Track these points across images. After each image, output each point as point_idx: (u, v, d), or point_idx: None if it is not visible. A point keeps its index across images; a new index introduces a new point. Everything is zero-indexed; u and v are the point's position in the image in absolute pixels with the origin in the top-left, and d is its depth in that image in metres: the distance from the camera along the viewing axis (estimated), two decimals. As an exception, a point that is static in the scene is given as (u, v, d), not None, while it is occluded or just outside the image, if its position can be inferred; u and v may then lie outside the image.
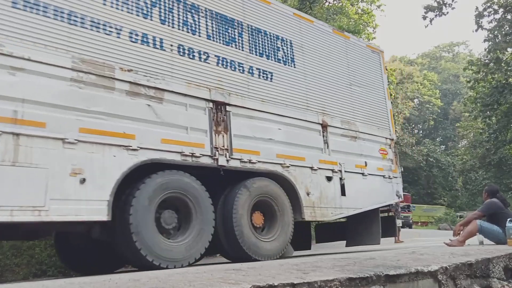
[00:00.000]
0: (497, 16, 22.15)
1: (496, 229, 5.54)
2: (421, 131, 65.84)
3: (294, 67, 6.23)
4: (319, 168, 6.12)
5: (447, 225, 30.59)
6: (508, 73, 21.64)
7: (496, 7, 21.99)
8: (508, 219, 5.16)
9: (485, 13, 22.08)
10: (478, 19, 22.30)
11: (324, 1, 21.07)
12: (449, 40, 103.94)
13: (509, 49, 22.05)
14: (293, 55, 6.25)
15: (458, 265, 2.58)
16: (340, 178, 6.39)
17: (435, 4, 20.47)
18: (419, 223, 38.19)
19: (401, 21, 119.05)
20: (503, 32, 21.92)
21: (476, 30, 22.39)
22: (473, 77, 24.40)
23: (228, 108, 5.19)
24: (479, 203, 23.65)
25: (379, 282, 2.07)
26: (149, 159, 4.35)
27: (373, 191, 6.93)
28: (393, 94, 34.14)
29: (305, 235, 7.97)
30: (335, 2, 23.26)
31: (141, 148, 4.28)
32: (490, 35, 22.72)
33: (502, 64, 21.72)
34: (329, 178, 6.24)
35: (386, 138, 7.63)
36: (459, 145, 54.91)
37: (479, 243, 5.62)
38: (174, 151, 4.57)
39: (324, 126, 6.39)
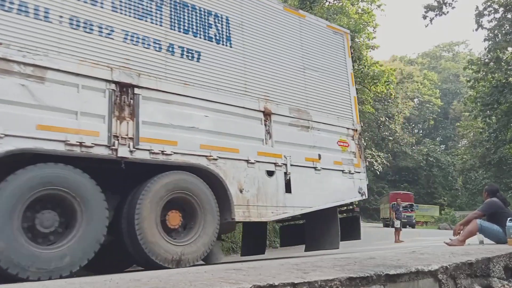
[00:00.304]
0: (497, 15, 22.17)
1: (496, 229, 5.54)
2: (421, 131, 65.88)
3: (231, 47, 5.50)
4: (258, 161, 5.39)
5: (447, 225, 30.59)
6: (508, 72, 21.65)
7: (496, 6, 21.99)
8: (508, 219, 5.15)
9: (485, 12, 22.09)
10: (478, 18, 22.31)
11: (324, 1, 21.08)
12: (449, 39, 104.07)
13: (509, 48, 22.05)
14: (229, 33, 5.53)
15: (458, 265, 2.58)
16: (285, 173, 5.65)
17: (435, 4, 20.48)
18: (421, 223, 38.12)
19: (401, 21, 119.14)
20: (503, 31, 21.93)
21: (476, 30, 22.44)
22: (473, 77, 24.43)
23: (137, 90, 4.48)
24: (479, 203, 23.66)
25: (379, 282, 2.07)
26: (18, 148, 3.66)
27: (328, 187, 6.17)
28: (393, 94, 34.19)
29: (260, 238, 7.48)
30: (335, 1, 23.27)
31: (6, 135, 3.62)
32: (490, 34, 22.73)
33: (502, 63, 21.73)
34: (270, 173, 5.52)
35: (348, 128, 6.77)
36: (459, 145, 54.93)
37: (479, 242, 5.62)
38: (55, 140, 3.89)
39: (267, 114, 5.67)
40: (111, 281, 2.24)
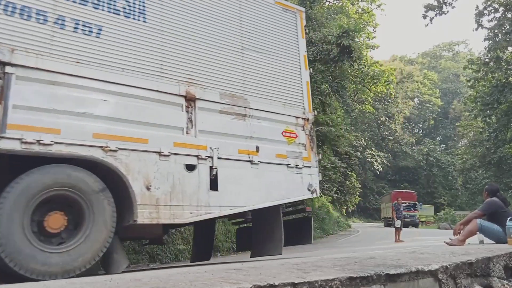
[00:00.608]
0: (498, 15, 22.19)
1: (496, 228, 5.54)
2: (421, 131, 65.94)
3: (144, 22, 4.84)
4: (174, 154, 4.69)
5: (447, 224, 30.59)
6: (508, 72, 21.66)
7: (496, 5, 22.00)
8: (508, 218, 5.15)
9: (486, 11, 22.11)
10: (478, 17, 22.34)
11: (325, 1, 21.09)
12: (449, 39, 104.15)
13: (509, 48, 22.06)
14: (143, 7, 4.87)
15: (458, 264, 2.58)
16: (211, 167, 4.95)
17: (435, 3, 20.50)
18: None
19: (401, 20, 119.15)
20: (503, 31, 21.94)
21: (476, 29, 22.47)
22: (473, 76, 24.46)
23: (8, 69, 3.84)
24: (479, 202, 23.67)
25: (379, 282, 2.07)
26: None
27: (268, 184, 5.47)
28: (393, 94, 34.22)
29: (206, 243, 6.96)
30: (335, 1, 23.29)
31: None
32: (490, 34, 22.76)
33: (502, 63, 21.75)
34: (190, 167, 4.81)
35: (297, 117, 6.01)
36: (459, 144, 54.99)
37: (479, 242, 5.62)
38: None
39: (191, 100, 4.97)
40: (111, 281, 2.24)
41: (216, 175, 4.99)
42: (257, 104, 5.61)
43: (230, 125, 5.30)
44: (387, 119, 50.07)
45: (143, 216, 4.32)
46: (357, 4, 24.94)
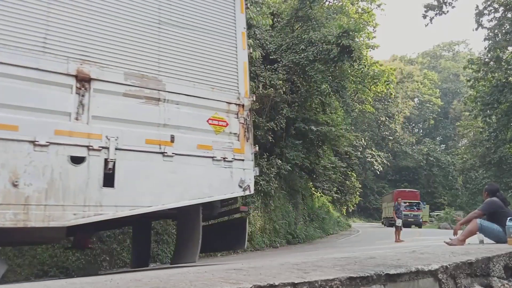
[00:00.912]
0: (498, 15, 22.21)
1: (496, 228, 5.54)
2: (421, 130, 65.95)
3: None
4: (55, 144, 4.00)
5: (447, 224, 30.57)
6: (508, 71, 21.67)
7: (496, 5, 22.01)
8: (508, 218, 5.15)
9: (486, 11, 22.12)
10: (478, 17, 22.35)
11: (324, 0, 21.09)
12: (449, 39, 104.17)
13: (509, 48, 22.08)
14: None
15: (458, 264, 2.58)
16: (107, 160, 4.23)
17: (435, 3, 20.51)
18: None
19: (401, 20, 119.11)
20: (504, 31, 21.96)
21: (476, 29, 22.50)
22: (473, 76, 24.47)
23: None
24: (479, 202, 23.65)
25: (379, 281, 2.07)
26: None
27: (186, 179, 4.75)
28: (393, 94, 34.22)
29: (142, 249, 6.43)
30: (335, 1, 23.30)
31: None
32: (490, 34, 22.77)
33: (502, 62, 21.76)
34: (78, 160, 4.11)
35: (229, 103, 5.29)
36: (459, 144, 55.00)
37: (479, 242, 5.62)
38: None
39: (83, 80, 4.27)
40: (111, 281, 2.24)
41: (113, 169, 4.25)
42: (176, 87, 4.87)
43: (137, 110, 4.55)
44: (387, 119, 50.08)
45: (5, 218, 3.66)
46: (357, 4, 24.95)
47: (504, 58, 21.94)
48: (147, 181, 4.47)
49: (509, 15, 21.96)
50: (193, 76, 5.06)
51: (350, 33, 15.10)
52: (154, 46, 4.82)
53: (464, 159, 38.99)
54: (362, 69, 20.74)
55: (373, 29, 25.76)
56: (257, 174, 5.49)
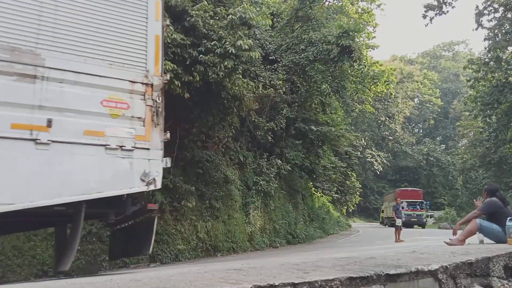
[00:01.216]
0: (498, 15, 22.23)
1: (496, 228, 5.54)
2: (421, 130, 65.98)
3: None
4: None
5: (447, 224, 30.57)
6: (508, 71, 21.68)
7: (496, 5, 22.03)
8: (508, 218, 5.16)
9: (486, 11, 22.14)
10: (478, 17, 22.38)
11: (324, 0, 21.10)
12: (449, 39, 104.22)
13: (509, 48, 22.09)
14: None
15: (458, 264, 2.59)
16: None
17: (435, 3, 20.53)
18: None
19: (401, 20, 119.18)
20: (503, 31, 21.98)
21: (476, 29, 22.51)
22: (473, 76, 24.48)
23: None
24: (479, 202, 23.63)
25: (379, 281, 2.08)
26: None
27: (66, 172, 4.01)
28: (393, 94, 34.19)
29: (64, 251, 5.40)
30: (335, 1, 23.30)
31: None
32: (490, 34, 22.80)
33: (502, 63, 21.77)
34: None
35: (133, 82, 4.53)
36: (459, 144, 55.02)
37: (479, 242, 5.63)
38: None
39: None
40: (111, 281, 2.24)
41: None
42: (60, 62, 4.13)
43: (3, 89, 3.84)
44: (387, 119, 50.08)
45: None
46: (357, 4, 24.95)
47: (504, 58, 21.96)
48: (10, 173, 3.73)
49: (509, 15, 21.98)
50: (84, 50, 4.30)
51: (350, 33, 15.10)
52: (30, 14, 4.04)
53: (464, 159, 39.03)
54: (362, 69, 20.73)
55: (373, 29, 25.76)
56: (168, 165, 4.67)
